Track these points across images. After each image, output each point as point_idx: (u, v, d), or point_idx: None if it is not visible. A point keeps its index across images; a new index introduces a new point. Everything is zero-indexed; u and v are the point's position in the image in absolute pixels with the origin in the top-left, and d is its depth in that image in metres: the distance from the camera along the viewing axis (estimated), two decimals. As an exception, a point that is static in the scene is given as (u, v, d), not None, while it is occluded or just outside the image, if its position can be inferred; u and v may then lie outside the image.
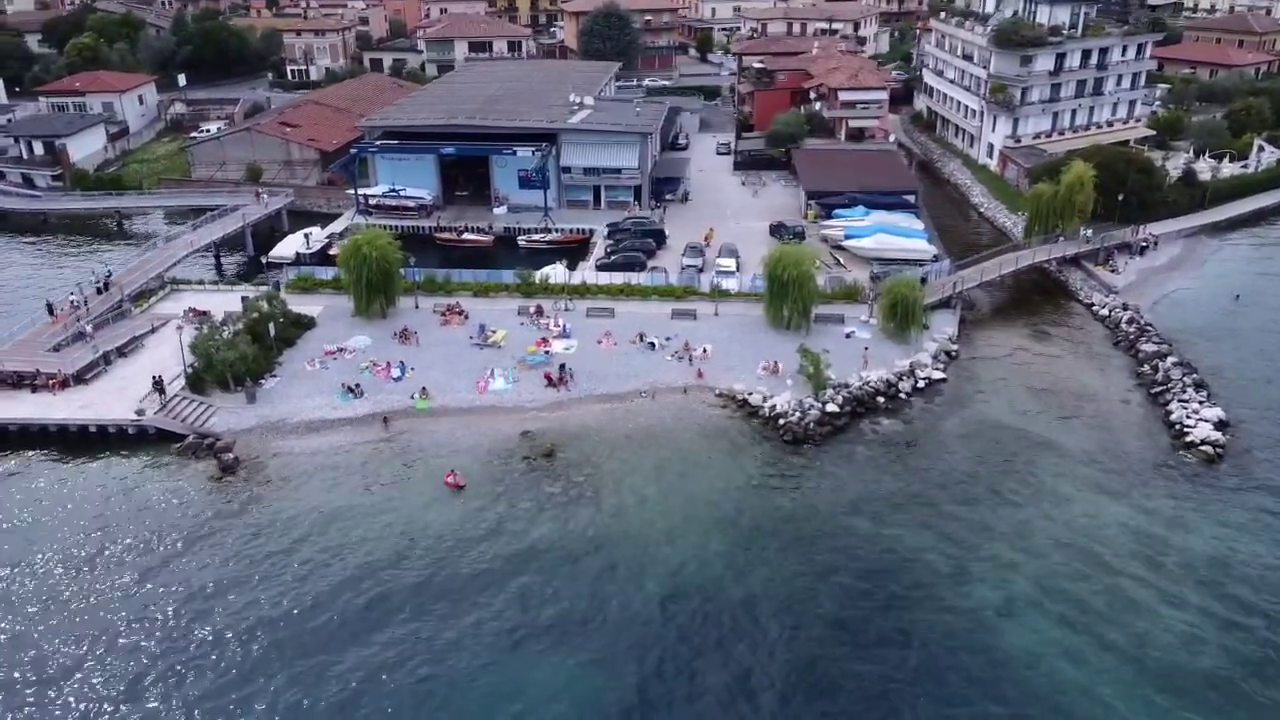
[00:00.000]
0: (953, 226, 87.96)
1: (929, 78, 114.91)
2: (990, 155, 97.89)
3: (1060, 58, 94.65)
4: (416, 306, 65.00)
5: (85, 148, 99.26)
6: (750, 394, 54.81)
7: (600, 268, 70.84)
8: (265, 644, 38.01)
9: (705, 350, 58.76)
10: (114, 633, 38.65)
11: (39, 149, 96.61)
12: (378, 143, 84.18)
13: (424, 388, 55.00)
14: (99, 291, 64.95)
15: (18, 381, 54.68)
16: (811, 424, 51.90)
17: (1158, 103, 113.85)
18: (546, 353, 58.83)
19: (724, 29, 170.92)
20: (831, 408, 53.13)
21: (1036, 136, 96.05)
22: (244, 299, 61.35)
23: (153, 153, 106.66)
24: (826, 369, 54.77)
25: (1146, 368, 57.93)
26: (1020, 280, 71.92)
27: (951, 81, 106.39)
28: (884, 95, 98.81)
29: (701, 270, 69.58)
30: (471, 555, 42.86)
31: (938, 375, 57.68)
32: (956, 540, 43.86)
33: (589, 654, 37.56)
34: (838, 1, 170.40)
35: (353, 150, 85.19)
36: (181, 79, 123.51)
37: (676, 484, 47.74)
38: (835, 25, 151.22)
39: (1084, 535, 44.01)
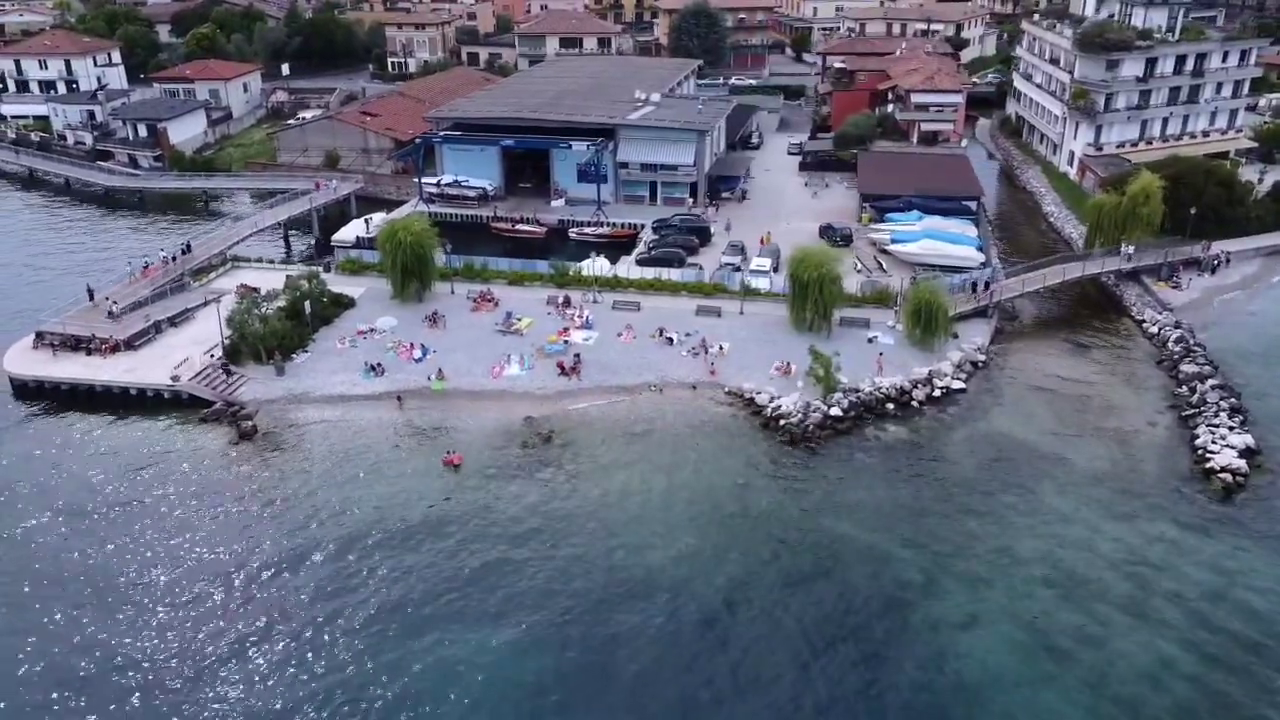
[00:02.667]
0: (1019, 235, 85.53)
1: (1018, 81, 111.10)
2: (1071, 163, 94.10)
3: (1150, 63, 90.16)
4: (452, 292, 67.04)
5: (185, 131, 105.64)
6: (758, 393, 54.60)
7: (640, 262, 71.38)
8: (221, 594, 40.45)
9: (721, 348, 58.75)
10: (103, 569, 41.72)
11: (143, 131, 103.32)
12: (441, 133, 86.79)
13: (440, 369, 56.82)
14: (184, 251, 71.06)
15: (75, 344, 59.04)
16: (812, 426, 51.38)
17: (1270, 113, 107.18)
18: (566, 342, 59.88)
19: (824, 28, 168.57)
20: (835, 411, 52.47)
21: (1121, 145, 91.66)
22: (288, 277, 64.46)
23: (250, 138, 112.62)
24: (837, 372, 54.17)
25: (1184, 389, 55.05)
26: (1072, 292, 69.17)
27: (1038, 86, 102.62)
28: (959, 99, 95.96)
29: (738, 269, 69.38)
30: (450, 530, 44.23)
31: (957, 385, 56.14)
32: (936, 551, 42.87)
33: (535, 633, 38.33)
34: (947, 1, 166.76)
35: (417, 140, 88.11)
36: (285, 69, 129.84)
37: (662, 477, 48.08)
38: (935, 26, 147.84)
39: (1072, 557, 42.36)
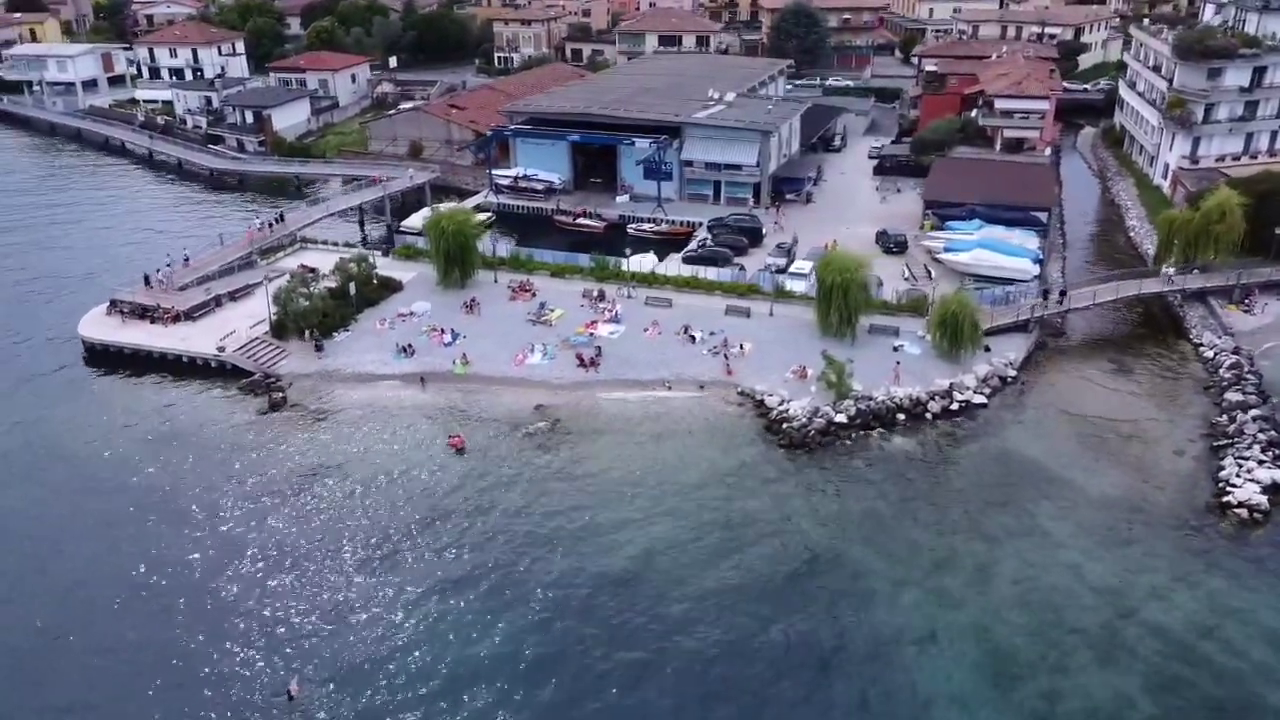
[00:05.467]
0: (1095, 248, 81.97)
1: (1122, 89, 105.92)
2: (1165, 176, 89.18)
3: (1259, 72, 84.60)
4: (495, 280, 69.05)
5: (289, 119, 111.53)
6: (769, 395, 54.39)
7: (686, 260, 71.73)
8: (207, 553, 43.28)
9: (742, 348, 58.68)
10: (134, 502, 45.46)
11: (249, 117, 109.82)
12: (512, 127, 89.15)
13: (464, 353, 58.79)
14: (278, 221, 78.53)
15: (143, 313, 63.78)
16: (814, 431, 50.90)
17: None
18: (591, 335, 60.94)
19: (938, 30, 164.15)
20: (841, 418, 51.82)
21: (1221, 159, 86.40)
22: (339, 259, 67.72)
23: (349, 127, 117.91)
24: (850, 378, 53.46)
25: (1224, 418, 51.90)
26: (1132, 310, 65.91)
27: (1140, 94, 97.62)
28: (1046, 105, 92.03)
29: (781, 271, 68.92)
30: (438, 504, 46.17)
31: (978, 399, 54.47)
32: (910, 566, 42.05)
33: (496, 616, 39.62)
34: (1075, 5, 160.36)
35: (488, 133, 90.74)
36: (393, 61, 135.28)
37: (654, 471, 48.61)
38: (1051, 30, 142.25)
39: (1053, 584, 40.81)
